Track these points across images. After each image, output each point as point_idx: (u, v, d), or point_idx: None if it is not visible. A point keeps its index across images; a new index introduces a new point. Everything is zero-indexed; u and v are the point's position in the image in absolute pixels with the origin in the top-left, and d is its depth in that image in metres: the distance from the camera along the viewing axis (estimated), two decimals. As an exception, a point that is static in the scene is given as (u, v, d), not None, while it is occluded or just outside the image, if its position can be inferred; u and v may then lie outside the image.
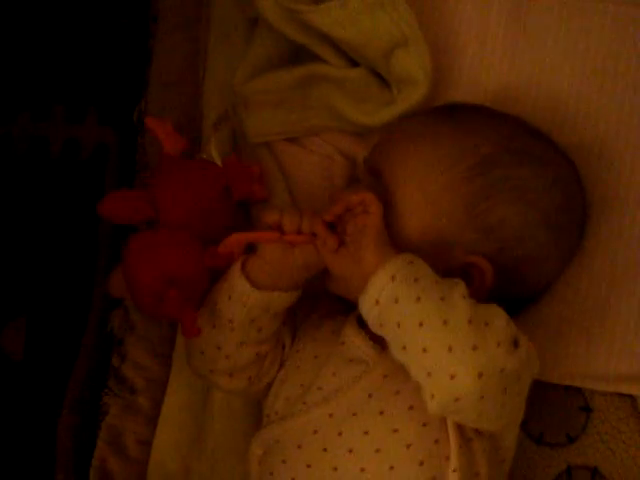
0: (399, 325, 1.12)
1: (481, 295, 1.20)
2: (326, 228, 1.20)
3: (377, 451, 1.18)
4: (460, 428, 1.17)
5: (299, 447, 1.22)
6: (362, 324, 1.23)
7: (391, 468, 1.17)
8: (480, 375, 1.08)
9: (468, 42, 1.45)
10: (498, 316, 1.13)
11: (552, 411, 1.39)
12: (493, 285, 1.24)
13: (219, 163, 1.37)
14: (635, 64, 1.42)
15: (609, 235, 1.40)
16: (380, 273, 1.13)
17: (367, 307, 1.15)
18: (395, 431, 1.18)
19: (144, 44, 1.48)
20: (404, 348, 1.12)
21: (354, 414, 1.21)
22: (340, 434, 1.20)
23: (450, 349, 1.09)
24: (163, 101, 1.48)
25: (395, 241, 1.21)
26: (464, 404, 1.10)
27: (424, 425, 1.17)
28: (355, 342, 1.25)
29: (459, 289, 1.13)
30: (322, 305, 1.35)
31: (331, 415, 1.22)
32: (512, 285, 1.27)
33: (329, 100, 1.42)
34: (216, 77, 1.49)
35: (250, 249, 1.25)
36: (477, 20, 1.45)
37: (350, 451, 1.19)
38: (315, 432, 1.22)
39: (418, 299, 1.11)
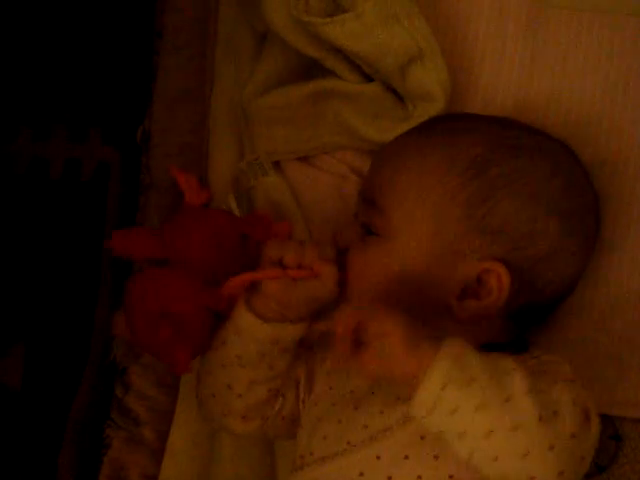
0: (462, 434, 1.03)
1: (503, 303, 1.17)
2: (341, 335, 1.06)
3: None
4: None
5: None
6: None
7: None
8: (561, 473, 1.03)
9: (485, 58, 1.41)
10: (563, 398, 1.05)
11: (580, 440, 1.33)
12: (512, 290, 1.17)
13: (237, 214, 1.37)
14: (659, 78, 1.39)
15: (636, 254, 1.35)
16: (427, 383, 1.02)
17: (419, 415, 1.04)
18: (451, 477, 1.11)
19: (148, 61, 1.44)
20: (471, 454, 1.04)
21: (406, 457, 1.13)
22: (390, 478, 1.13)
23: (526, 455, 1.02)
24: (168, 120, 1.44)
25: (401, 267, 1.18)
26: None
27: None
28: None
29: (517, 381, 1.03)
30: None
31: (379, 457, 1.14)
32: (533, 288, 1.21)
33: (342, 117, 1.39)
34: (224, 94, 1.45)
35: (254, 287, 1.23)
36: (494, 36, 1.41)
37: None
38: (361, 475, 1.14)
39: (478, 408, 1.02)
